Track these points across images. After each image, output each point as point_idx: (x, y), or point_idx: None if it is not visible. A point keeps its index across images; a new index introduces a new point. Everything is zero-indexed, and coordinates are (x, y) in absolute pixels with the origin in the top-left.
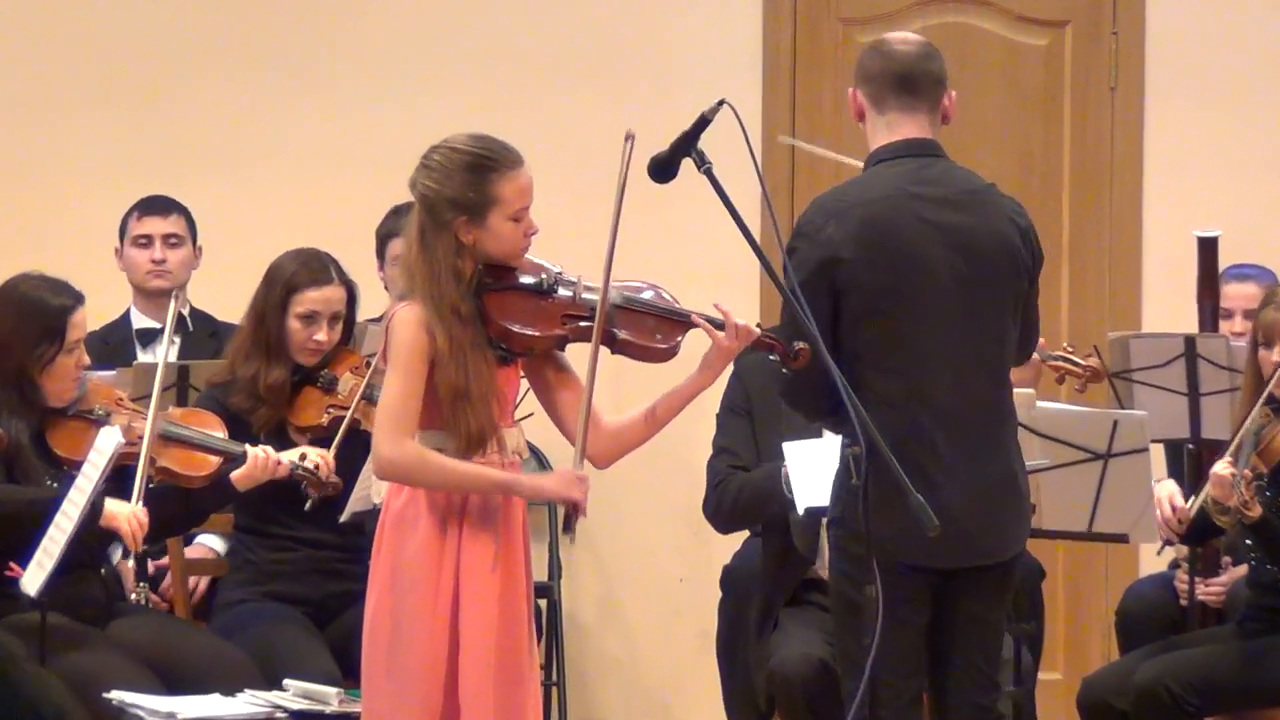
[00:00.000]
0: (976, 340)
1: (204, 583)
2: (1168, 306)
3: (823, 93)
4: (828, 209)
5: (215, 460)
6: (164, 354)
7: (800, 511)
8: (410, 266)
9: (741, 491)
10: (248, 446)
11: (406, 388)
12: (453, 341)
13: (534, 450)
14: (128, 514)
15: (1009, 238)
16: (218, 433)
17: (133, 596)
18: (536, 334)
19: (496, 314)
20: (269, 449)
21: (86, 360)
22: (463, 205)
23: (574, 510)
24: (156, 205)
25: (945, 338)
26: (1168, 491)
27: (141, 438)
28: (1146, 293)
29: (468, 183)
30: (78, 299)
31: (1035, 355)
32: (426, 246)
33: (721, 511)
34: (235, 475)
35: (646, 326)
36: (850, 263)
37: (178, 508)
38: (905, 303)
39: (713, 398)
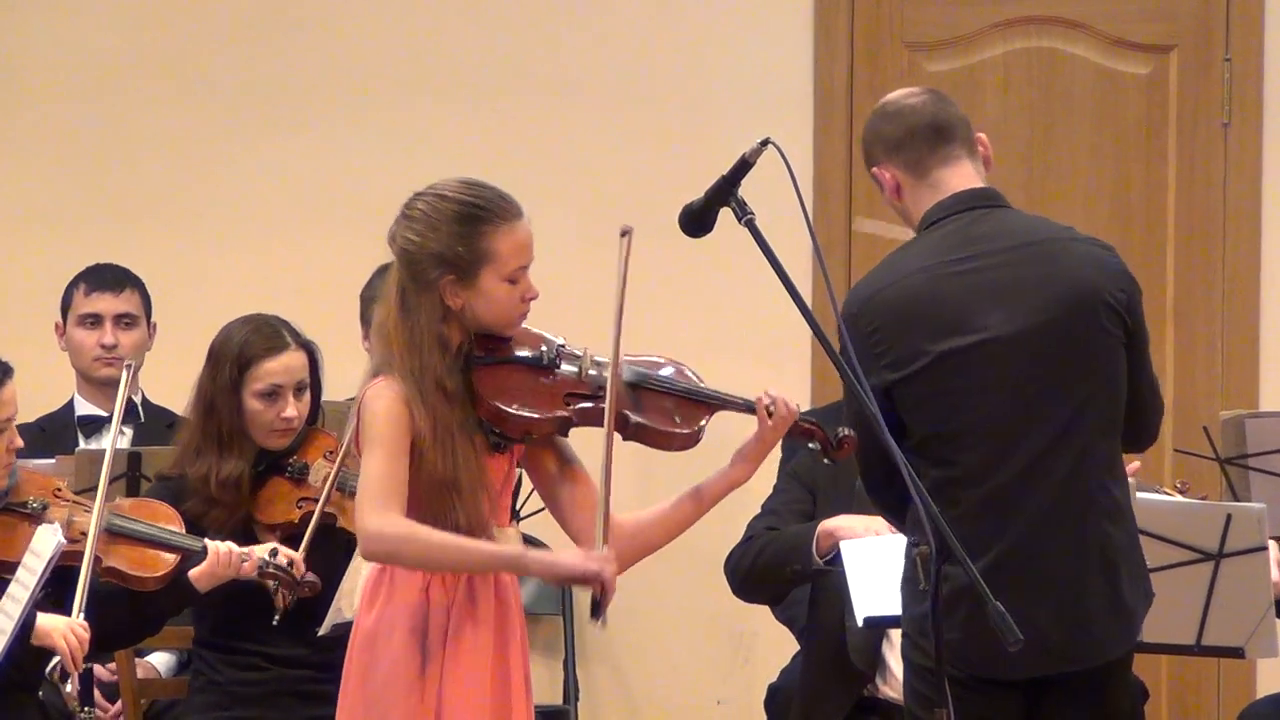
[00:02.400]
0: (1050, 412)
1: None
2: None
3: None
4: (861, 295)
5: (171, 558)
6: (114, 434)
7: (859, 621)
8: (388, 334)
9: (767, 548)
10: (208, 541)
11: (389, 461)
12: (437, 423)
13: (542, 547)
14: (64, 628)
15: (1088, 284)
16: (173, 526)
17: None
18: (535, 416)
19: (488, 392)
20: (233, 544)
21: (18, 442)
22: (450, 262)
23: (600, 590)
24: (107, 279)
25: (1009, 412)
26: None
27: (84, 534)
28: (1265, 364)
29: (456, 236)
30: (4, 370)
31: (1131, 480)
32: (407, 310)
33: (741, 567)
34: (195, 573)
35: (664, 409)
36: (891, 348)
37: (128, 613)
38: (956, 380)
39: (754, 486)
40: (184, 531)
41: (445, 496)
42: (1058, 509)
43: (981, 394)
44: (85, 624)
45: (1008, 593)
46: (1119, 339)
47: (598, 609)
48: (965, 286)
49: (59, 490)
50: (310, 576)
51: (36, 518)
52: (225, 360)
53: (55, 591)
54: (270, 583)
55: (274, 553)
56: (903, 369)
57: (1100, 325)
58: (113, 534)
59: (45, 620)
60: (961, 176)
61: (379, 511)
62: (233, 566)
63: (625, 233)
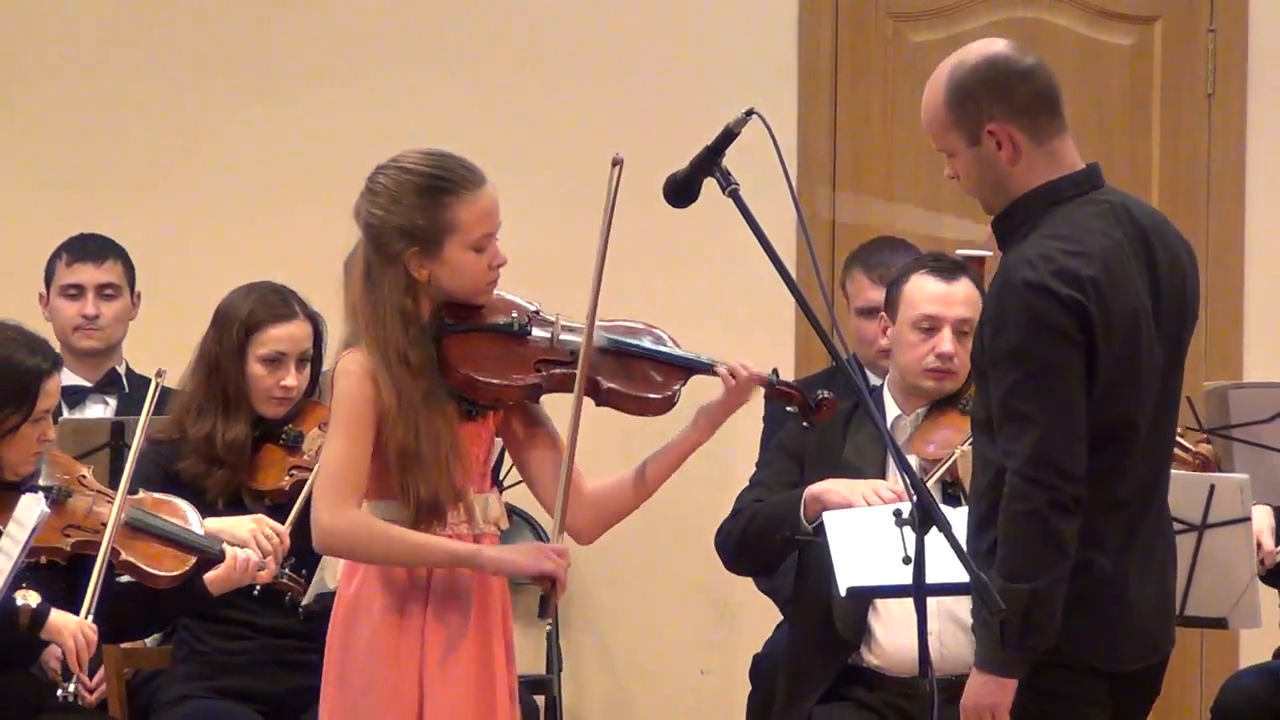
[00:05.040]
0: (1165, 402)
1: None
2: (1274, 351)
3: (869, 100)
4: (1070, 272)
5: (188, 559)
6: (138, 439)
7: (842, 592)
8: (354, 307)
9: (755, 517)
10: (225, 545)
11: (350, 448)
12: (400, 395)
13: (525, 518)
14: (74, 629)
15: (1189, 277)
16: (193, 526)
17: (59, 694)
18: (505, 383)
19: (458, 360)
20: (250, 552)
21: (51, 434)
22: (413, 234)
23: (552, 587)
24: (89, 249)
25: (1143, 400)
26: (1261, 524)
27: (105, 524)
28: (1248, 334)
29: (417, 207)
30: (55, 363)
31: None
32: (372, 284)
33: (731, 540)
34: (210, 577)
35: (638, 374)
36: (1101, 335)
37: (138, 610)
38: (1123, 368)
39: (737, 457)
40: (203, 533)
41: (408, 467)
42: (1164, 502)
43: (1145, 382)
44: (94, 627)
45: (1138, 587)
46: (1186, 340)
47: (545, 607)
48: (1134, 273)
49: (84, 478)
50: None
51: (59, 504)
52: (232, 323)
53: (69, 582)
54: (285, 595)
55: (290, 563)
56: (1106, 362)
57: (1191, 321)
58: (133, 528)
59: (58, 617)
60: (1072, 149)
61: (333, 505)
62: (248, 574)
63: (616, 162)
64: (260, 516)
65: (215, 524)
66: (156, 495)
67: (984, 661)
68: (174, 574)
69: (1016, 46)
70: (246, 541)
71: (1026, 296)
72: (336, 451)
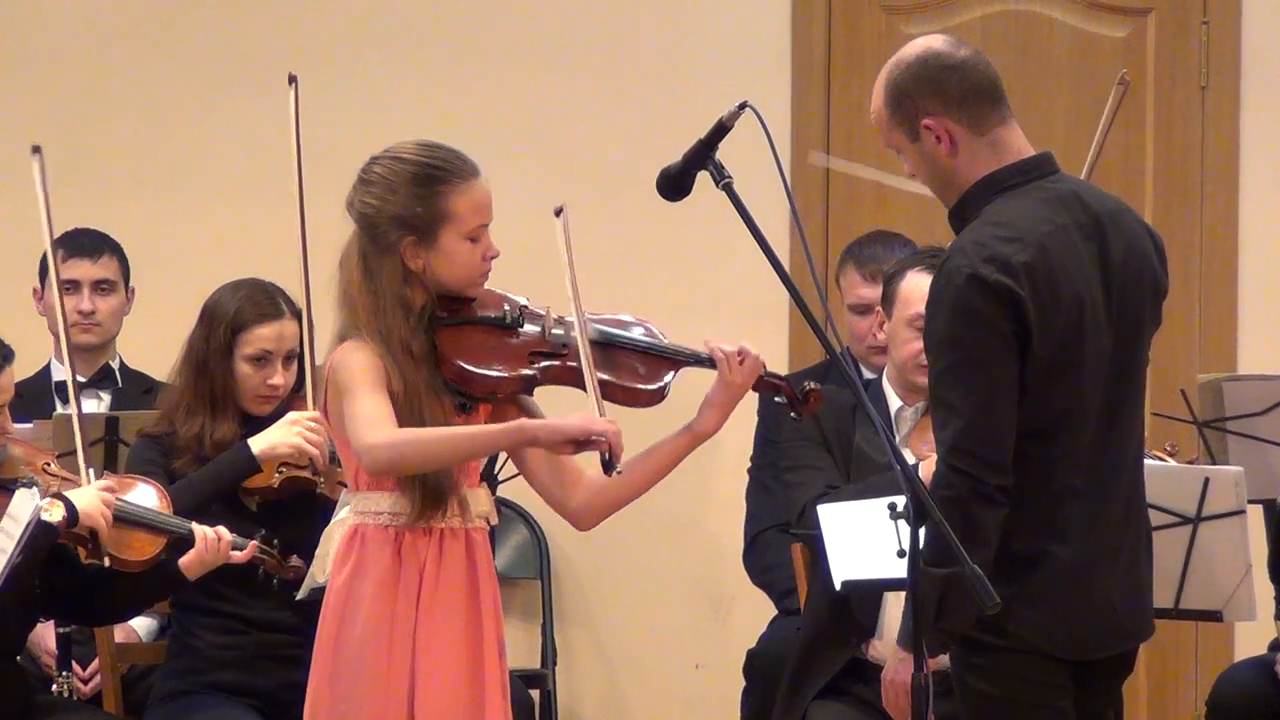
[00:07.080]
0: (1122, 389)
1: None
2: (1268, 343)
3: (863, 93)
4: (1000, 257)
5: (159, 541)
6: (78, 432)
7: (837, 586)
8: (352, 299)
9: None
10: (194, 525)
11: (375, 398)
12: (407, 384)
13: (520, 511)
14: (98, 508)
15: (1150, 262)
16: (161, 507)
17: (54, 689)
18: (500, 376)
19: (452, 353)
20: (222, 529)
21: (10, 427)
22: (409, 223)
23: (609, 447)
24: (85, 245)
25: (1098, 391)
26: None
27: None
28: (1242, 327)
29: (415, 197)
30: (6, 356)
31: None
32: (369, 274)
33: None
34: (184, 561)
35: (629, 366)
36: (1039, 325)
37: (115, 593)
38: (1065, 354)
39: (728, 451)
40: (171, 514)
41: None
42: (1134, 490)
43: (1091, 368)
44: (106, 489)
45: (1103, 577)
46: (1157, 320)
47: (610, 464)
48: (1080, 260)
49: (47, 465)
50: (295, 561)
51: None
52: (219, 322)
53: (40, 575)
54: (259, 569)
55: (260, 534)
56: (1043, 347)
57: (1156, 306)
58: None
59: (81, 502)
60: (1018, 137)
61: (375, 430)
62: (221, 554)
63: (559, 211)
64: (290, 413)
65: (261, 441)
66: (123, 478)
67: (904, 639)
68: (144, 558)
69: (951, 41)
70: (301, 447)
71: (956, 284)
72: (363, 401)
